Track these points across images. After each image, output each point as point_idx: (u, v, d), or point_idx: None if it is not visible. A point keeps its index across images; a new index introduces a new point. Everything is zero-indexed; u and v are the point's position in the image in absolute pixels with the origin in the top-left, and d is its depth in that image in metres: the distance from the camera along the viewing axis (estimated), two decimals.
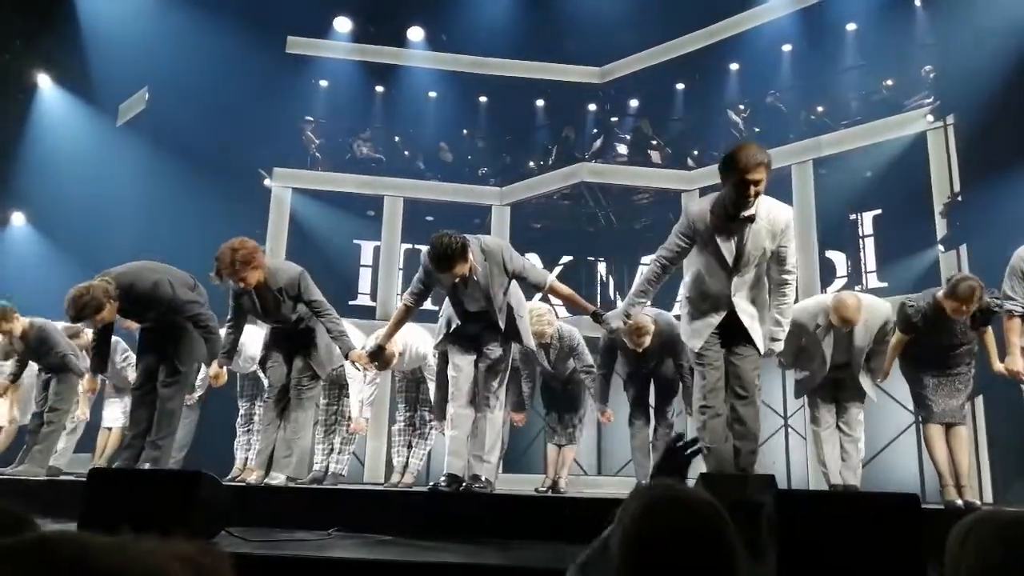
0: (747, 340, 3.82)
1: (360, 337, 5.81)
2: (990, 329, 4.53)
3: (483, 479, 4.12)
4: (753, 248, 3.71)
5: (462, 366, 4.37)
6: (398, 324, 4.62)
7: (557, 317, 5.72)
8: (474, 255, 4.09)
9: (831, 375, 4.79)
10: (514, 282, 4.32)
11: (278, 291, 4.60)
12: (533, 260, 9.26)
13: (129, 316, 4.84)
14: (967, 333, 4.46)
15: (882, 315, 4.72)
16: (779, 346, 3.97)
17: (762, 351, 3.86)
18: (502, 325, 4.27)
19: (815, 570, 2.36)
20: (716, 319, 3.83)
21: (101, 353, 4.85)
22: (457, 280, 4.12)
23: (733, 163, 3.58)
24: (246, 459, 5.85)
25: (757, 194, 3.62)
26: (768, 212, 3.73)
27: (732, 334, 3.83)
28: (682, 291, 4.17)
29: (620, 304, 5.74)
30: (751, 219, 3.69)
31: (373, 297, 10.29)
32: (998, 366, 4.48)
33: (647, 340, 5.25)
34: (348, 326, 5.74)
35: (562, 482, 5.67)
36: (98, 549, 0.68)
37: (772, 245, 3.74)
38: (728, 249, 3.72)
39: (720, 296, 3.82)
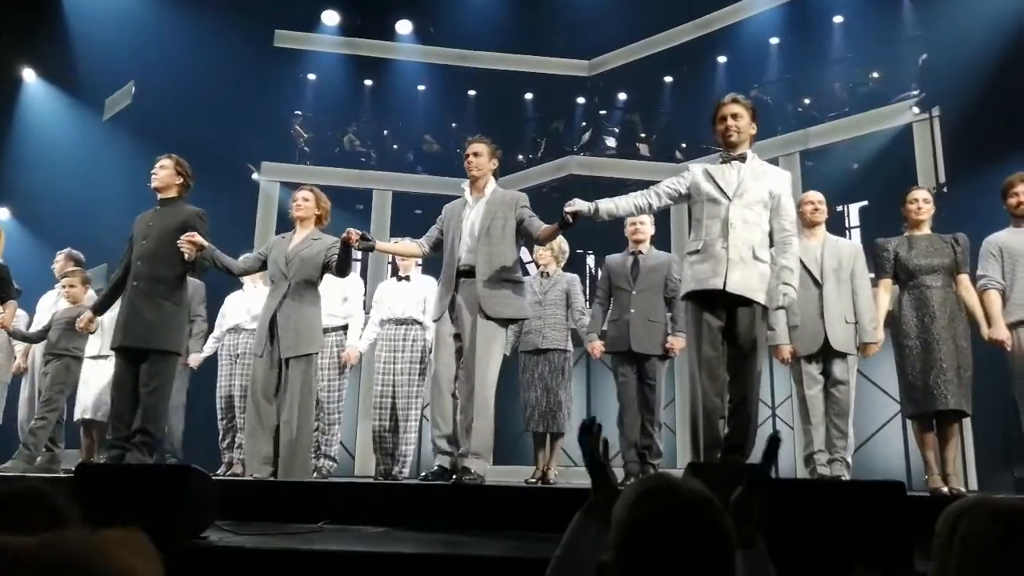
0: (749, 336, 3.72)
1: (354, 332, 5.79)
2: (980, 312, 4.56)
3: (473, 471, 4.11)
4: (751, 179, 3.79)
5: (442, 356, 4.26)
6: (400, 249, 5.06)
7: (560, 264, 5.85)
8: (494, 190, 4.43)
9: (817, 327, 4.64)
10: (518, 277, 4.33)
11: None
12: (523, 253, 9.30)
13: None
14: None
15: (852, 247, 5.20)
16: (793, 292, 3.80)
17: (730, 286, 3.67)
18: (483, 269, 4.19)
19: (803, 559, 2.38)
20: (721, 265, 3.68)
21: (112, 296, 4.62)
22: (469, 191, 4.41)
23: (713, 110, 3.96)
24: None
25: (738, 129, 3.83)
26: (763, 163, 3.95)
27: (733, 327, 3.74)
28: (685, 250, 4.00)
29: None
30: (743, 158, 3.84)
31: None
32: (985, 331, 4.52)
33: (647, 225, 5.46)
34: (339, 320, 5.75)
35: (551, 473, 5.67)
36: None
37: (770, 184, 3.81)
38: (725, 181, 3.81)
39: (718, 239, 3.72)
